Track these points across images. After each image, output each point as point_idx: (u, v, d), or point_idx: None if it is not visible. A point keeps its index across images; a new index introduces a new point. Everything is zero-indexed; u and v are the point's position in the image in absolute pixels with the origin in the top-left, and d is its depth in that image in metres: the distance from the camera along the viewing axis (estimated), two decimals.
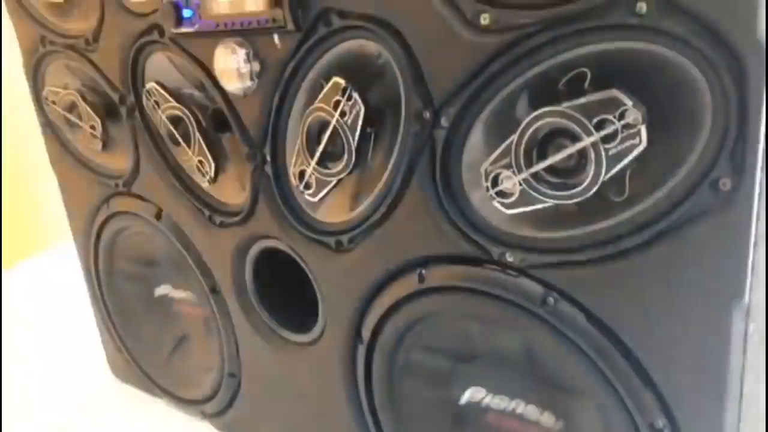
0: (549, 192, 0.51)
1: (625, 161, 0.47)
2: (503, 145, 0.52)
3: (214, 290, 0.88)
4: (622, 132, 0.46)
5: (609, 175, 0.48)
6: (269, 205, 0.74)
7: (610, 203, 0.50)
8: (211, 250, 0.86)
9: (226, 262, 0.84)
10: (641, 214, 0.49)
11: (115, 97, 0.89)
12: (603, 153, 0.47)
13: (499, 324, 0.61)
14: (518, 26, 0.50)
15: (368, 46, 0.62)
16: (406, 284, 0.64)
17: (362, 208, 0.66)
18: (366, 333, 0.69)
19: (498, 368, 0.65)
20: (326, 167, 0.66)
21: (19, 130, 1.56)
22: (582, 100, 0.47)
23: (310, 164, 0.67)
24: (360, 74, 0.63)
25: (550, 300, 0.56)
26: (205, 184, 0.83)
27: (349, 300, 0.70)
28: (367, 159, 0.64)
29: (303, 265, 0.75)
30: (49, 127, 1.02)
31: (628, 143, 0.46)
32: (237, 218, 0.80)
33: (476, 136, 0.56)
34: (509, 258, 0.57)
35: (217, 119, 0.80)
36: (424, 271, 0.62)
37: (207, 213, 0.84)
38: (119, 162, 0.95)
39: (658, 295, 0.51)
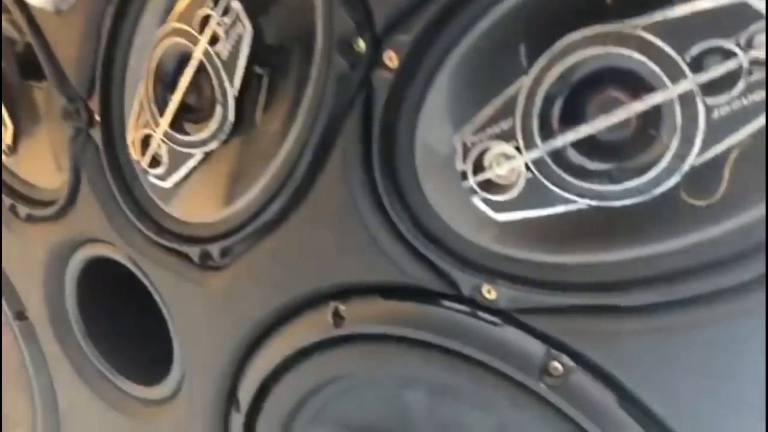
0: (583, 186, 0.29)
1: (747, 128, 0.26)
2: (500, 99, 0.30)
3: (21, 316, 0.62)
4: (748, 74, 0.24)
5: (705, 156, 0.26)
6: (97, 190, 0.51)
7: (685, 208, 0.29)
8: (15, 257, 0.61)
9: (37, 275, 0.58)
10: (740, 231, 0.28)
11: None
12: (703, 113, 0.25)
13: (467, 401, 0.38)
14: None
15: None
16: (313, 326, 0.43)
17: (245, 201, 0.43)
18: (245, 396, 0.47)
19: None
20: (185, 132, 0.42)
21: None
22: (663, 13, 0.26)
23: (158, 126, 0.41)
24: None
25: (556, 367, 0.33)
26: (3, 156, 0.55)
27: (219, 345, 0.47)
28: (254, 120, 0.42)
29: (150, 286, 0.49)
30: None
31: (748, 99, 0.25)
32: (50, 210, 0.56)
33: (445, 85, 0.34)
34: (488, 294, 0.35)
35: (22, 59, 0.52)
36: (342, 308, 0.41)
37: (8, 201, 0.57)
38: None
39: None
